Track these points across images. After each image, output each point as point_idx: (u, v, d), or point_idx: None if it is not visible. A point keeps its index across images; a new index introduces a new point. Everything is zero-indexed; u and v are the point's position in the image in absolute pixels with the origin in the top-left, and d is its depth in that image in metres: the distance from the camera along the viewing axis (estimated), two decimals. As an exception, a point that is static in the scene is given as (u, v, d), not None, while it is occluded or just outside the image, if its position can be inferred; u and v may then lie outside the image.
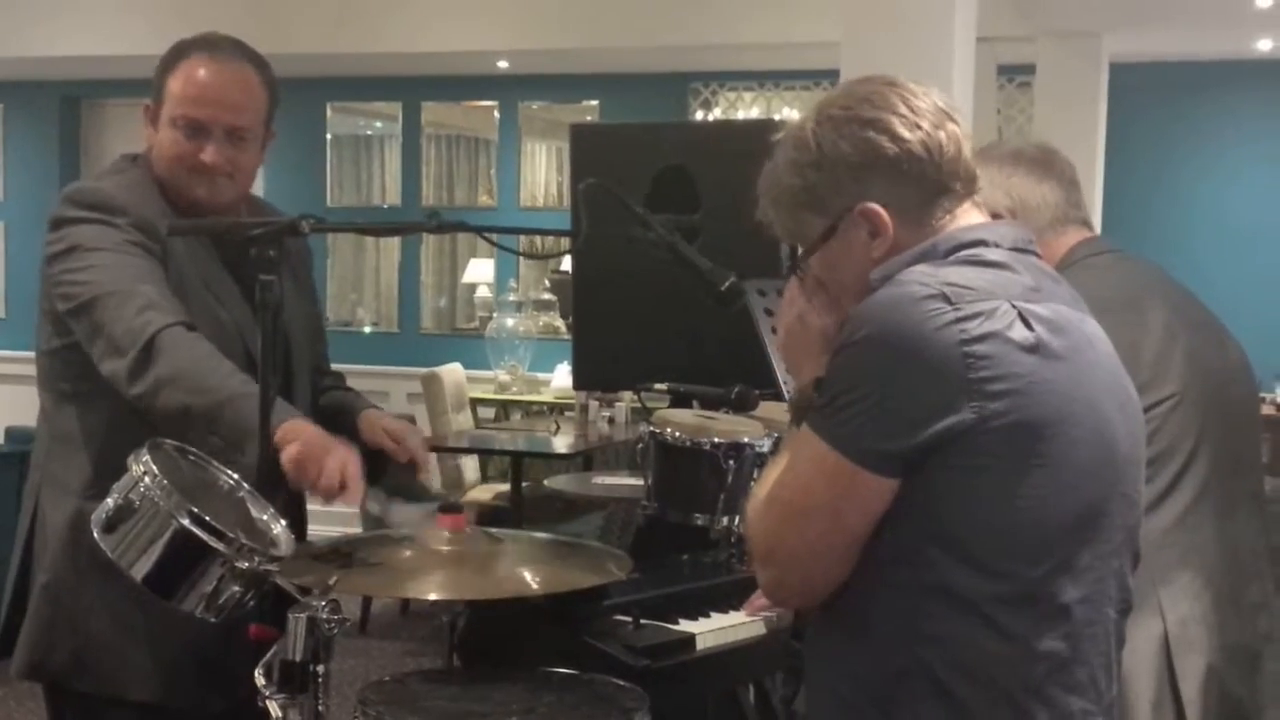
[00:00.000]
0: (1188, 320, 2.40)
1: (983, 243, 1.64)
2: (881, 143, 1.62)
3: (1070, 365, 1.58)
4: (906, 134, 1.62)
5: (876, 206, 1.63)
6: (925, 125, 1.63)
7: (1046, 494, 1.55)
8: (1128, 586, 1.67)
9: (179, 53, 2.32)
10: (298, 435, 1.99)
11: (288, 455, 1.96)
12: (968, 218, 1.67)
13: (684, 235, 2.04)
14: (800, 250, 1.73)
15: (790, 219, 1.70)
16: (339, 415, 2.45)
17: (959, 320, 1.52)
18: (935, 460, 1.52)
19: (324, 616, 1.79)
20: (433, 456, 6.73)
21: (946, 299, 1.53)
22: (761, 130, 1.75)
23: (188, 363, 2.08)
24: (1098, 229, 2.56)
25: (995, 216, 2.30)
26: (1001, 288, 1.58)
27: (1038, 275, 1.65)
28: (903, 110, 1.63)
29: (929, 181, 1.64)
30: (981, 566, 1.54)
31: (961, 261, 1.61)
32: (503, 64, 8.00)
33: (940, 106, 1.66)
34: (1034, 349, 1.54)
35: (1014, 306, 1.55)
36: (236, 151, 2.30)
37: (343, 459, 2.00)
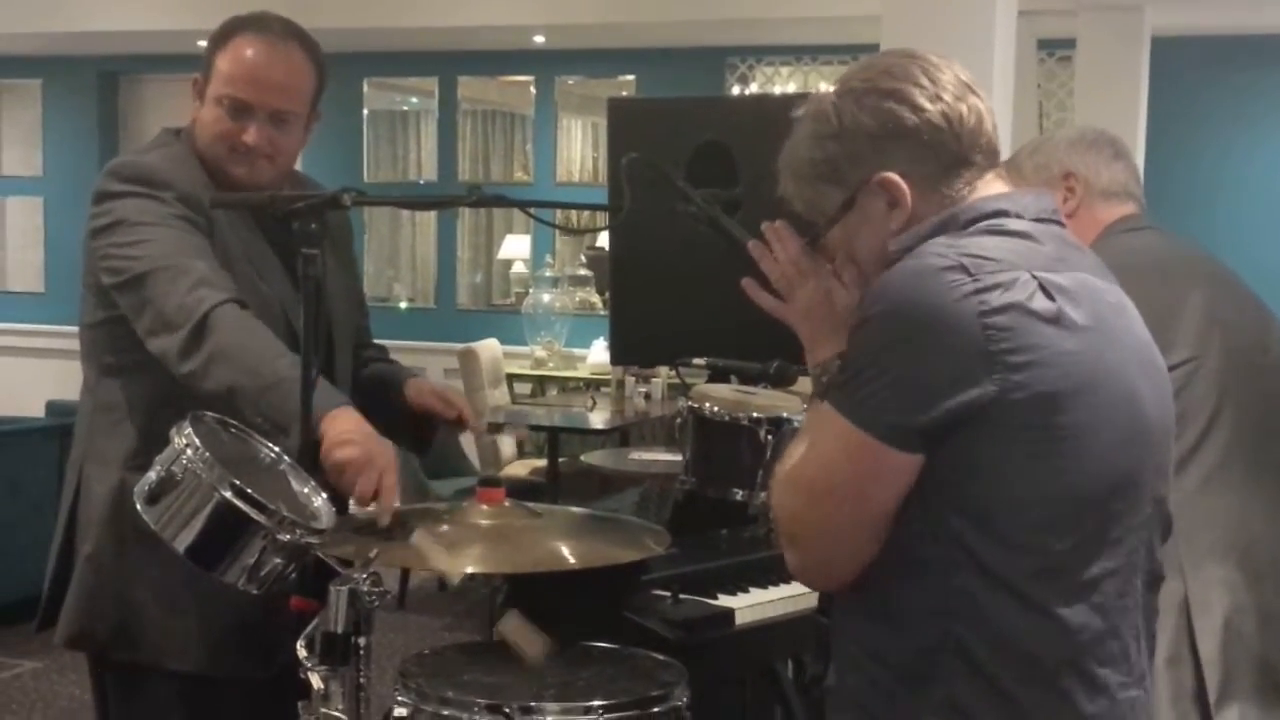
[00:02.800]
0: (1223, 292, 2.42)
1: (1004, 213, 1.62)
2: (902, 113, 1.62)
3: (1094, 336, 1.56)
4: (927, 105, 1.61)
5: (895, 176, 1.62)
6: (946, 97, 1.62)
7: (1073, 466, 1.53)
8: (1157, 559, 1.66)
9: (230, 30, 2.31)
10: (346, 435, 1.98)
11: (334, 461, 1.96)
12: (989, 188, 1.65)
13: (725, 209, 2.03)
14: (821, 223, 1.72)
15: (810, 192, 1.70)
16: (383, 386, 2.46)
17: (978, 291, 1.50)
18: (959, 434, 1.50)
19: (365, 589, 1.80)
20: (469, 435, 6.75)
21: (966, 270, 1.52)
22: (800, 105, 1.74)
23: (240, 342, 2.08)
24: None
25: (1066, 176, 2.43)
26: (1022, 258, 1.56)
27: (1060, 245, 1.64)
28: (923, 81, 1.63)
29: (949, 153, 1.63)
30: (1010, 540, 1.53)
31: (982, 232, 1.60)
32: (539, 39, 7.99)
33: (962, 79, 1.65)
34: (1055, 320, 1.53)
35: (1035, 277, 1.54)
36: (279, 133, 2.30)
37: (382, 469, 1.98)
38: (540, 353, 7.93)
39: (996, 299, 1.50)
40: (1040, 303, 1.53)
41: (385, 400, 2.42)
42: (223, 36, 2.31)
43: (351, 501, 2.09)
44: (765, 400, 2.50)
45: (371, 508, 1.99)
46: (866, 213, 1.65)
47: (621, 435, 6.86)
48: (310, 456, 1.95)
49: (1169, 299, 2.29)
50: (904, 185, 1.62)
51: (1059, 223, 1.68)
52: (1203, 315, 2.32)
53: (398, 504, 2.02)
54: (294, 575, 1.88)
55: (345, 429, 1.99)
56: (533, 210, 2.29)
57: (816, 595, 2.25)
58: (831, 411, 1.57)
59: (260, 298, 2.26)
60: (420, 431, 2.44)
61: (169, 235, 2.19)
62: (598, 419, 6.69)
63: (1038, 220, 1.64)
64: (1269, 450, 2.33)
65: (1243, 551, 2.26)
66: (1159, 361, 1.68)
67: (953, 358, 1.50)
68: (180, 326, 2.09)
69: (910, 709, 1.57)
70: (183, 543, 1.83)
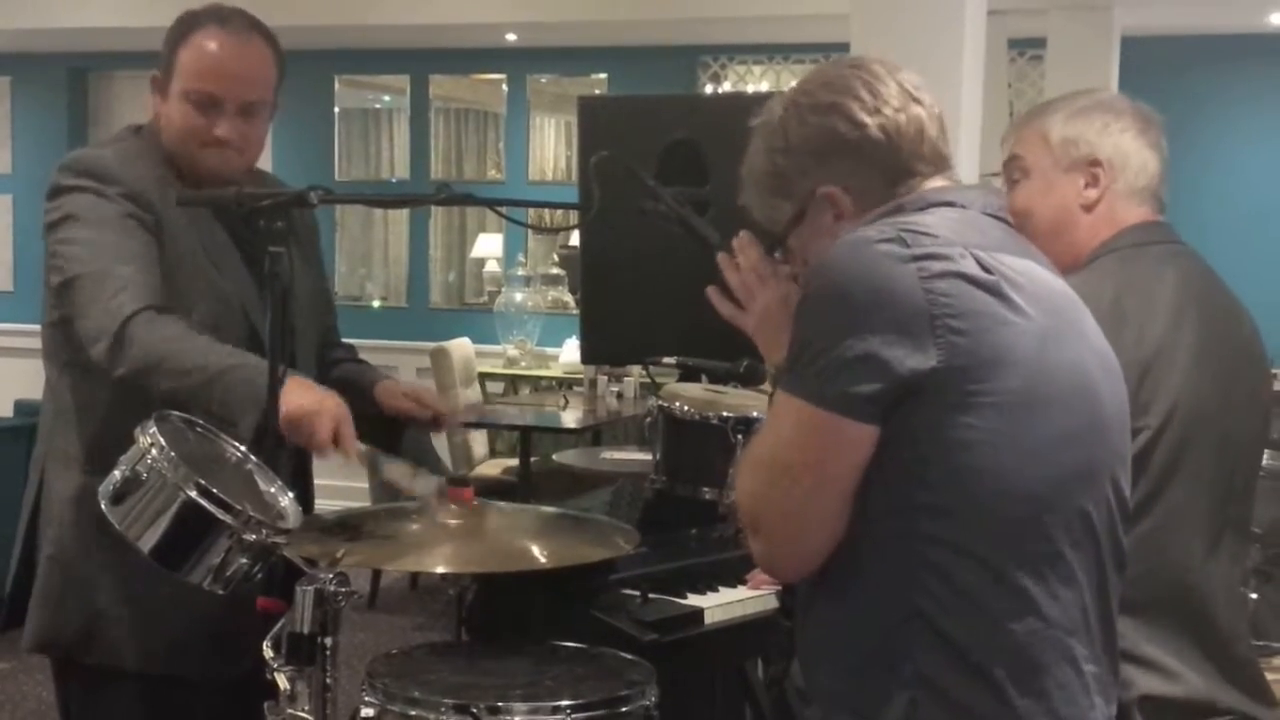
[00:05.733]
0: (1208, 345, 2.16)
1: (951, 204, 1.65)
2: (839, 127, 1.65)
3: (1045, 322, 1.57)
4: (865, 118, 1.65)
5: (835, 189, 1.66)
6: (886, 110, 1.65)
7: (1026, 436, 1.54)
8: (1121, 545, 1.67)
9: (189, 24, 2.31)
10: (295, 394, 1.99)
11: (286, 414, 1.95)
12: (934, 184, 1.68)
13: (694, 208, 2.03)
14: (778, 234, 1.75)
15: (765, 204, 1.74)
16: (352, 388, 2.45)
17: (917, 259, 1.52)
18: (910, 403, 1.51)
19: (331, 589, 1.79)
20: (442, 434, 6.74)
21: (903, 242, 1.54)
22: (761, 110, 1.74)
23: (161, 347, 2.08)
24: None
25: (1093, 164, 2.16)
26: (960, 236, 1.58)
27: (1005, 235, 1.66)
28: (863, 94, 1.66)
29: (889, 165, 1.66)
30: (971, 512, 1.53)
31: (922, 209, 1.62)
32: (511, 36, 7.97)
33: (906, 88, 1.68)
34: (995, 291, 1.54)
35: (971, 254, 1.55)
36: (247, 125, 2.30)
37: (334, 415, 2.00)
38: (513, 352, 7.91)
39: (936, 266, 1.52)
40: (978, 273, 1.54)
41: (354, 402, 2.41)
42: (182, 31, 2.30)
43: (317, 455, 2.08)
44: (735, 399, 2.50)
45: (333, 456, 2.00)
46: (816, 224, 1.70)
47: (594, 434, 6.86)
48: (273, 451, 1.94)
49: (1155, 358, 2.08)
50: (845, 198, 1.67)
51: (1006, 221, 1.70)
52: (1183, 378, 2.10)
53: (361, 446, 2.04)
54: (260, 575, 1.87)
55: (293, 390, 1.99)
56: (502, 209, 2.29)
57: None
58: (783, 395, 1.58)
59: (218, 294, 2.25)
60: (390, 433, 2.44)
61: (106, 237, 2.19)
62: (570, 418, 6.69)
63: (984, 214, 1.66)
64: (1223, 513, 2.15)
65: (1172, 625, 2.06)
66: (1114, 364, 1.69)
67: (898, 323, 1.50)
68: (102, 337, 2.11)
69: (881, 687, 1.57)
70: (147, 543, 1.82)
